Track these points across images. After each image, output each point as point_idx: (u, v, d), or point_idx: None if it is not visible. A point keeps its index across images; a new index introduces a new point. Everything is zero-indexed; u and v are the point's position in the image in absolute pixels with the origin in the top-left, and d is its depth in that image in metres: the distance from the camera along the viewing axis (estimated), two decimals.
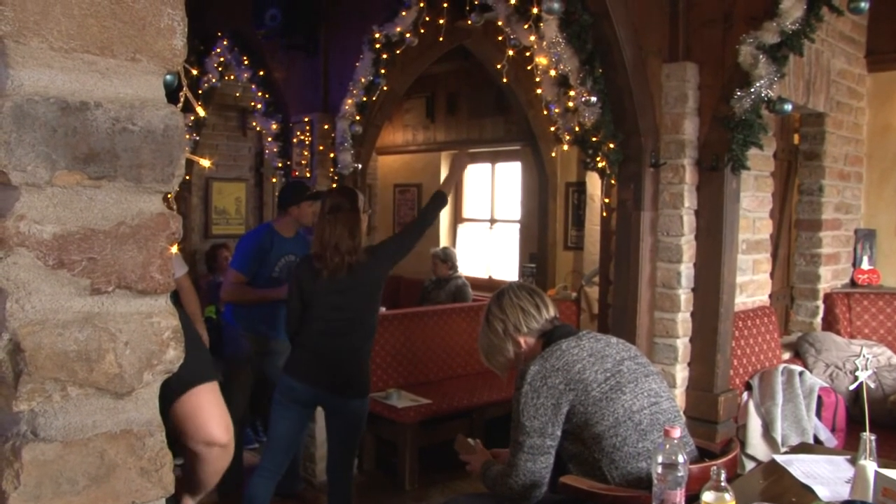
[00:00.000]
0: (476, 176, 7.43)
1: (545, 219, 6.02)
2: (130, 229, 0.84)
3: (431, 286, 5.95)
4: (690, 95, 3.06)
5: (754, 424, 3.24)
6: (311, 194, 3.79)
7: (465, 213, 7.51)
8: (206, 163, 1.10)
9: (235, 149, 6.57)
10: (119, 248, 0.83)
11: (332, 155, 4.16)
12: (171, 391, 1.36)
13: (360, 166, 4.21)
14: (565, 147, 3.50)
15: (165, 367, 0.88)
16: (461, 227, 7.52)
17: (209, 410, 1.39)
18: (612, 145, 3.05)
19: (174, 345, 0.88)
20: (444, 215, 7.46)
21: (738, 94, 2.85)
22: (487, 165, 7.20)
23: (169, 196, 0.89)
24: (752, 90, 2.80)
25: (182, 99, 0.93)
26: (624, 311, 3.14)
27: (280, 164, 4.46)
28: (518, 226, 6.68)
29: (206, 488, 1.55)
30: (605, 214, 3.30)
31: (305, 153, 4.31)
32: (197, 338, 1.47)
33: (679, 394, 3.11)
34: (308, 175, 4.27)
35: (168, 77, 0.87)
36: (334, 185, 4.15)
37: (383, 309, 5.46)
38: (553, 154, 5.56)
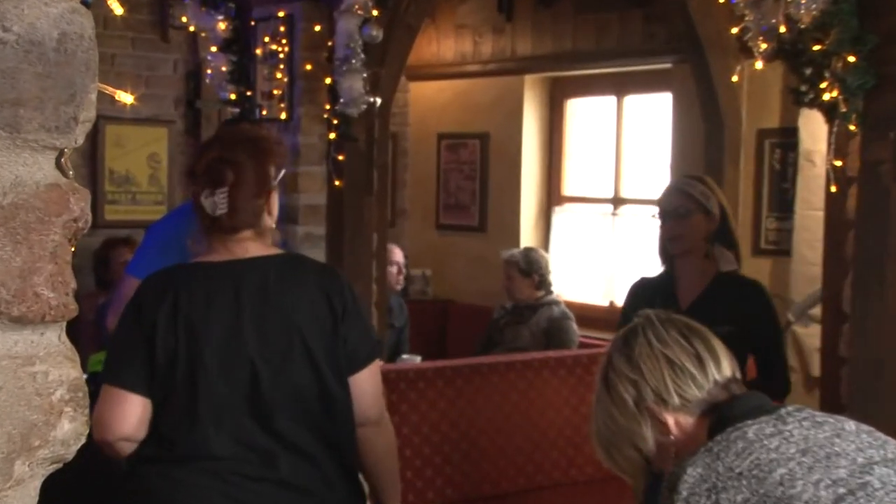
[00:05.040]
0: (586, 119, 7.36)
1: None
2: None
3: (505, 318, 5.98)
4: None
5: None
6: None
7: (566, 189, 7.46)
8: (128, 98, 1.12)
9: (149, 65, 6.62)
10: None
11: (327, 80, 4.17)
12: (346, 370, 2.66)
13: (378, 101, 4.24)
14: (759, 64, 3.58)
15: (54, 451, 0.91)
16: (558, 213, 7.54)
17: (364, 392, 2.69)
18: (852, 58, 3.06)
19: (71, 411, 0.92)
20: (530, 193, 7.48)
21: None
22: (610, 99, 7.23)
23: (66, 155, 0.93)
24: None
25: None
26: (875, 371, 3.17)
27: (233, 95, 4.50)
28: None
29: (385, 484, 2.81)
30: (835, 189, 3.36)
31: (279, 76, 4.32)
32: (364, 317, 2.79)
33: None
34: (284, 115, 4.28)
35: None
36: (333, 135, 4.14)
37: (418, 359, 5.45)
38: (735, 78, 5.47)
